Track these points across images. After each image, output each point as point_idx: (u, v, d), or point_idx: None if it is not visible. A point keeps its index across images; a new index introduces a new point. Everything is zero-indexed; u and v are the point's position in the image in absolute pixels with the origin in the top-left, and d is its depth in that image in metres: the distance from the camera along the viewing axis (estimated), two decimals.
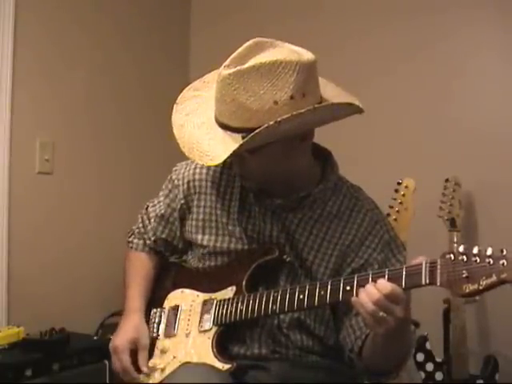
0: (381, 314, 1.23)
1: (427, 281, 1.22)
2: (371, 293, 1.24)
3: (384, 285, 1.24)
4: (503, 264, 1.15)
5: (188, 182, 1.63)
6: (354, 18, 2.76)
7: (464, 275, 1.18)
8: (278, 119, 1.30)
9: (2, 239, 2.34)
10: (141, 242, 1.74)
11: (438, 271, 1.21)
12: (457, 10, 2.54)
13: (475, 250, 1.19)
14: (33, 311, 2.36)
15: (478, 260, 1.17)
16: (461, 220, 2.37)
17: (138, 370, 1.54)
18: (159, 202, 1.71)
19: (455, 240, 2.33)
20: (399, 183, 2.29)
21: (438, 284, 1.21)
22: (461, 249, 1.21)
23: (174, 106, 1.52)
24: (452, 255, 1.21)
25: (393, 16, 2.67)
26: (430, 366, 2.33)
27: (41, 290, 2.43)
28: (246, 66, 1.33)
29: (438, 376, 2.32)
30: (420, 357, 2.33)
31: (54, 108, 2.54)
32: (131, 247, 1.76)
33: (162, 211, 1.69)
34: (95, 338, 2.39)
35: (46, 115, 2.51)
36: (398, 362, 1.43)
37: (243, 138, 1.35)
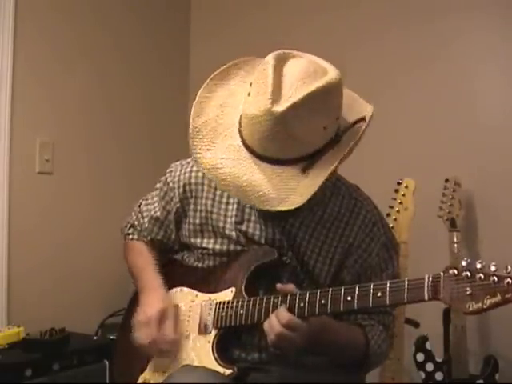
0: (281, 342, 1.34)
1: (430, 296, 1.22)
2: (273, 324, 1.34)
3: (282, 315, 1.33)
4: (508, 283, 1.14)
5: (184, 186, 1.61)
6: (356, 24, 2.76)
7: (468, 292, 1.17)
8: (341, 157, 1.37)
9: (2, 239, 2.34)
10: (140, 235, 1.73)
11: (441, 287, 1.20)
12: (457, 15, 2.54)
13: (478, 265, 1.18)
14: (33, 311, 2.36)
15: (482, 277, 1.16)
16: (461, 220, 2.37)
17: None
18: (154, 203, 1.69)
19: (455, 240, 2.32)
20: (399, 183, 2.30)
21: (441, 300, 1.21)
22: (464, 263, 1.19)
23: (191, 141, 1.44)
24: (455, 270, 1.19)
25: (394, 21, 2.68)
26: (429, 366, 2.32)
27: (41, 290, 2.43)
28: (298, 98, 1.30)
29: (438, 376, 2.31)
30: (420, 357, 2.33)
31: (53, 108, 2.54)
32: (132, 238, 1.74)
33: (158, 213, 1.68)
34: (95, 338, 2.39)
35: (45, 115, 2.51)
36: (353, 360, 1.49)
37: (303, 170, 1.35)
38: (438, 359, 2.33)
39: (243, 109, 1.40)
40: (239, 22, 3.05)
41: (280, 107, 1.30)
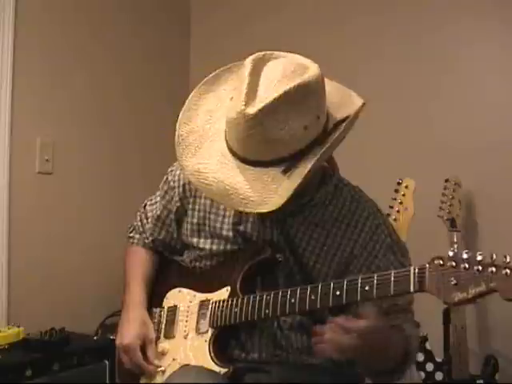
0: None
1: (416, 287, 1.21)
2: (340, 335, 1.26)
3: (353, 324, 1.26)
4: (492, 272, 1.12)
5: (184, 185, 1.61)
6: (359, 33, 2.76)
7: (452, 283, 1.16)
8: (320, 154, 1.31)
9: (2, 239, 2.34)
10: (141, 237, 1.74)
11: (427, 278, 1.19)
12: (458, 21, 2.54)
13: (465, 255, 1.16)
14: (33, 311, 2.36)
15: (467, 266, 1.15)
16: (461, 220, 2.37)
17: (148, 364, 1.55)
18: (156, 203, 1.71)
19: (455, 240, 2.32)
20: (399, 183, 2.30)
21: (427, 291, 1.20)
22: (450, 253, 1.18)
23: (176, 148, 1.44)
24: (441, 260, 1.19)
25: (398, 28, 2.68)
26: (430, 366, 2.32)
27: (41, 290, 2.43)
28: (271, 99, 1.29)
29: (438, 376, 2.31)
30: (420, 357, 2.33)
31: (54, 108, 2.54)
32: (132, 242, 1.75)
33: (158, 212, 1.69)
34: (95, 338, 2.39)
35: (46, 115, 2.51)
36: (394, 363, 1.40)
37: (284, 171, 1.33)
38: (438, 359, 2.33)
39: (227, 112, 1.39)
40: (239, 25, 3.05)
41: (252, 109, 1.29)
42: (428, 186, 2.35)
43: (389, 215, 2.26)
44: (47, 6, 2.50)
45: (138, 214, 1.77)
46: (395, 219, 2.26)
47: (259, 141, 1.32)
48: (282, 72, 1.33)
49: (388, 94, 2.65)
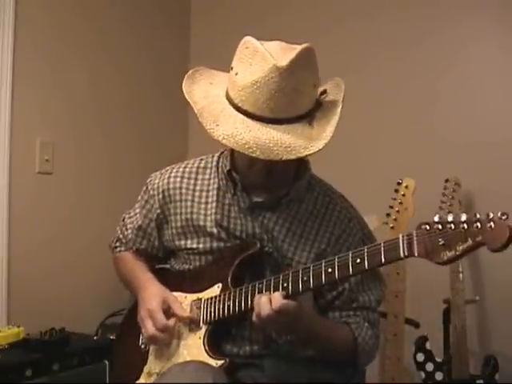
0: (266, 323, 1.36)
1: (406, 253, 1.25)
2: (263, 305, 1.35)
3: (275, 300, 1.34)
4: (477, 227, 1.16)
5: (163, 192, 1.63)
6: (362, 34, 2.75)
7: (440, 243, 1.20)
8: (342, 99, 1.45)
9: (2, 239, 2.34)
10: (126, 247, 1.76)
11: (415, 242, 1.24)
12: (457, 22, 2.54)
13: (450, 218, 1.21)
14: (33, 311, 2.36)
15: (453, 227, 1.19)
16: None
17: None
18: (136, 214, 1.72)
19: None
20: (399, 183, 2.30)
21: (416, 255, 1.24)
22: (436, 218, 1.23)
23: (200, 120, 1.44)
24: (427, 225, 1.23)
25: (398, 30, 2.68)
26: (430, 366, 2.32)
27: (41, 290, 2.43)
28: (297, 52, 1.37)
29: (438, 376, 2.31)
30: (420, 357, 2.33)
31: (54, 108, 2.54)
32: (119, 251, 1.78)
33: (140, 222, 1.69)
34: (95, 338, 2.39)
35: (46, 115, 2.51)
36: (341, 357, 1.51)
37: (309, 123, 1.41)
38: (438, 359, 2.33)
39: (238, 83, 1.41)
40: (239, 25, 3.03)
41: (284, 62, 1.36)
42: (428, 186, 2.35)
43: (389, 215, 2.26)
44: (47, 6, 2.51)
45: (118, 227, 1.79)
46: (395, 219, 2.26)
47: (288, 93, 1.37)
48: (280, 47, 1.43)
49: (388, 94, 2.66)
